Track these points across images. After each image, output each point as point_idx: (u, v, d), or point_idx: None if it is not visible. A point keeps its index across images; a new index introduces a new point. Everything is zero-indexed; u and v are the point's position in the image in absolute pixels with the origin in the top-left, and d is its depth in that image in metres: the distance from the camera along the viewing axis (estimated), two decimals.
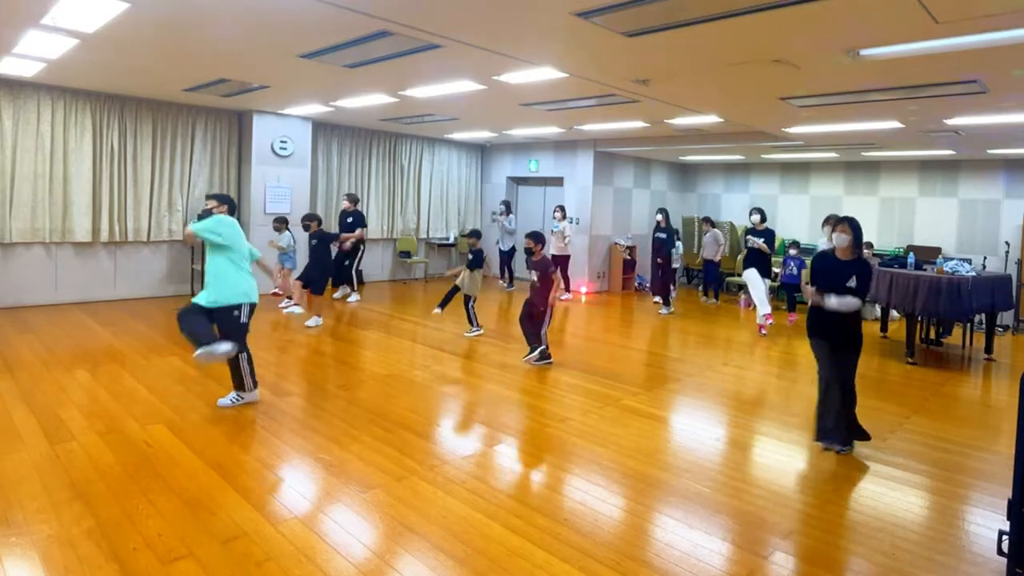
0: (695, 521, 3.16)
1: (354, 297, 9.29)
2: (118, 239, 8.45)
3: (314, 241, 7.59)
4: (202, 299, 4.37)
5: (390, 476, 3.52)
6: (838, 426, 4.19)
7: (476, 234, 7.38)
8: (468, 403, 4.94)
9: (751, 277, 8.25)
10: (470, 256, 7.19)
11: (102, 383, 4.98)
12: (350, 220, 9.21)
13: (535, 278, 6.09)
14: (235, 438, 3.99)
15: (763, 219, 8.34)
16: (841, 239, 4.20)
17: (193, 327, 4.23)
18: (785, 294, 9.39)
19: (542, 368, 5.97)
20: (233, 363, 4.51)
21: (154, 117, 8.64)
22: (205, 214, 4.63)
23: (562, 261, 10.27)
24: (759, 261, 8.24)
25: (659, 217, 9.68)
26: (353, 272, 9.31)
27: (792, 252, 9.05)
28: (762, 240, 8.16)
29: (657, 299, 9.65)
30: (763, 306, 8.07)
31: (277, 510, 3.09)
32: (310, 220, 7.69)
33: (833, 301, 4.06)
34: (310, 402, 4.74)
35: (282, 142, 9.54)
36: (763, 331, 8.01)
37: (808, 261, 5.31)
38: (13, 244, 7.72)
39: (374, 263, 11.33)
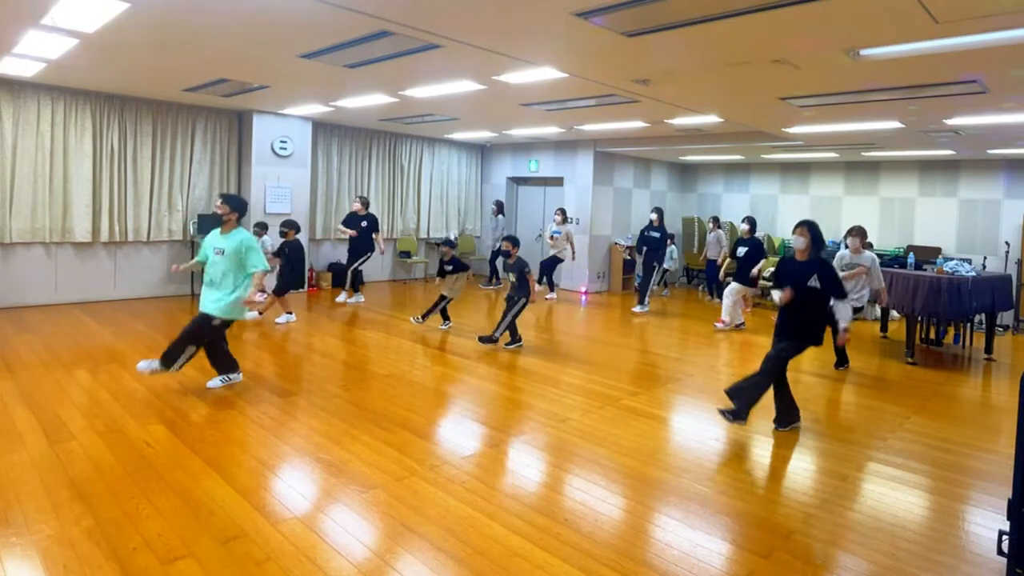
0: (695, 521, 3.16)
1: (356, 298, 9.12)
2: (118, 239, 8.45)
3: (287, 250, 7.53)
4: (204, 305, 4.78)
5: (390, 476, 3.52)
6: (790, 408, 4.50)
7: (450, 243, 7.71)
8: (468, 403, 4.94)
9: (729, 288, 8.28)
10: (450, 266, 7.43)
11: (102, 383, 4.98)
12: (364, 224, 8.98)
13: (512, 278, 6.71)
14: (235, 438, 3.99)
15: (752, 229, 8.37)
16: (798, 241, 4.35)
17: (213, 358, 4.95)
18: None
19: (541, 368, 5.97)
20: (178, 345, 4.70)
21: (154, 117, 8.64)
22: (213, 223, 4.82)
23: (551, 261, 10.28)
24: (741, 270, 8.21)
25: (653, 216, 9.46)
26: (350, 272, 9.07)
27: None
28: (747, 250, 8.17)
29: (637, 308, 9.46)
30: (725, 313, 8.24)
31: (277, 510, 3.09)
32: (288, 227, 7.64)
33: (843, 316, 4.46)
34: (310, 402, 4.74)
35: (282, 142, 9.53)
36: (718, 325, 8.25)
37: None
38: (13, 244, 7.72)
39: (374, 263, 11.29)
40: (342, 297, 9.30)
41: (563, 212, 10.25)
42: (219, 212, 4.73)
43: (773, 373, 4.39)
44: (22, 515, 2.93)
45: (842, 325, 4.91)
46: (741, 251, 8.25)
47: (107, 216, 8.31)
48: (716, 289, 10.78)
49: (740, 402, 4.35)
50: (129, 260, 8.70)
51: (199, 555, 2.67)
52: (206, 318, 4.70)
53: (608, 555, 2.80)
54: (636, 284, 11.70)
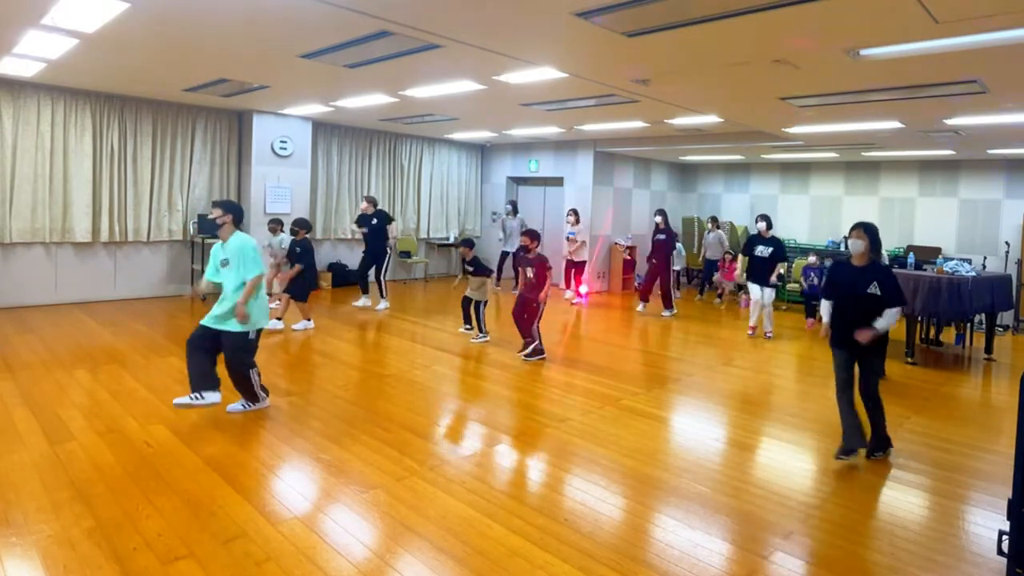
0: (695, 521, 3.16)
1: (383, 304, 8.72)
2: (118, 239, 8.45)
3: (298, 249, 7.23)
4: (211, 321, 4.26)
5: (390, 476, 3.52)
6: (858, 437, 4.06)
7: (469, 243, 7.30)
8: (468, 403, 4.94)
9: (753, 290, 7.92)
10: (470, 268, 7.10)
11: (102, 383, 4.98)
12: (375, 222, 8.65)
13: (531, 274, 6.31)
14: (235, 438, 3.99)
15: (769, 226, 7.94)
16: (856, 245, 4.07)
17: (192, 367, 4.25)
18: (804, 303, 9.19)
19: (541, 368, 5.97)
20: (242, 381, 4.38)
21: (154, 117, 8.64)
22: (212, 225, 4.44)
23: (579, 267, 10.28)
24: (761, 270, 7.82)
25: (658, 219, 9.43)
26: (382, 278, 8.70)
27: (812, 260, 9.00)
28: (771, 250, 7.72)
29: (641, 306, 9.46)
30: (752, 318, 7.91)
31: (277, 510, 3.09)
32: (299, 227, 7.36)
33: (881, 323, 3.89)
34: (310, 402, 4.74)
35: (282, 142, 9.54)
36: (751, 332, 7.89)
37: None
38: (13, 244, 7.72)
39: None
40: (361, 302, 8.87)
41: (576, 212, 10.12)
42: (213, 217, 4.44)
43: (878, 398, 4.12)
44: (22, 515, 2.93)
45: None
46: (763, 250, 7.71)
47: (107, 216, 8.31)
48: (712, 288, 10.88)
49: (877, 439, 4.12)
50: (129, 260, 8.70)
51: (199, 555, 2.67)
52: (239, 337, 4.28)
53: (608, 555, 2.80)
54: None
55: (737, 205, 12.68)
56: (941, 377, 6.30)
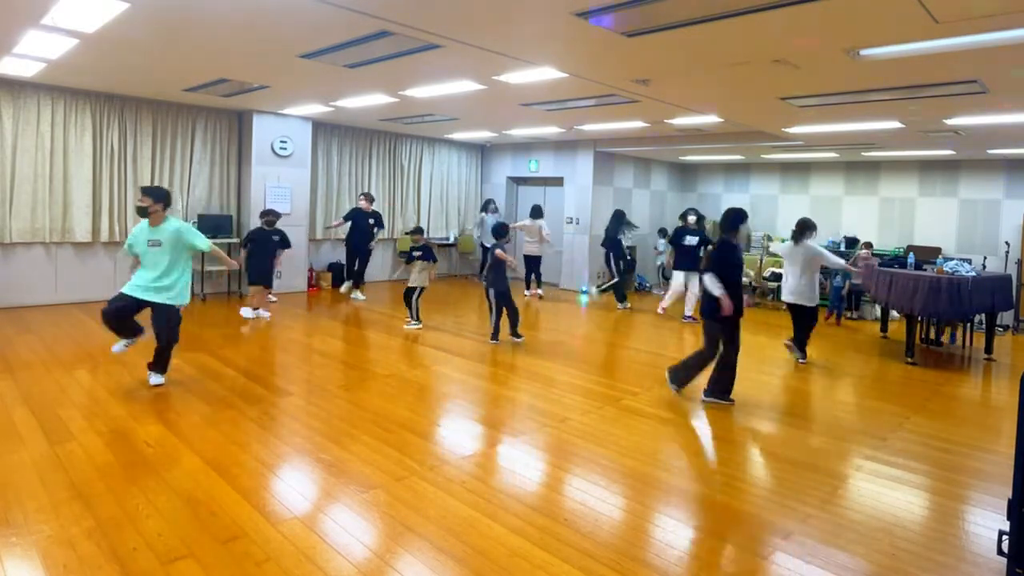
0: (695, 521, 3.16)
1: (353, 294, 9.49)
2: (118, 239, 8.44)
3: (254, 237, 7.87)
4: (148, 294, 4.74)
5: (390, 476, 3.52)
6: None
7: (419, 230, 7.96)
8: (468, 403, 4.94)
9: (676, 276, 8.92)
10: (418, 253, 7.54)
11: (102, 383, 4.98)
12: (371, 221, 9.49)
13: (490, 261, 7.01)
14: (235, 438, 3.99)
15: (699, 220, 9.11)
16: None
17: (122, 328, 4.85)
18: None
19: (541, 368, 5.97)
20: (162, 354, 4.88)
21: (154, 117, 8.64)
22: (142, 211, 4.76)
23: (533, 261, 10.46)
24: (689, 258, 8.72)
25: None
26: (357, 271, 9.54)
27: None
28: (697, 239, 8.73)
29: (620, 305, 9.86)
30: (665, 300, 9.06)
31: (277, 510, 3.09)
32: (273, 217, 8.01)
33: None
34: (310, 402, 4.74)
35: (282, 142, 9.54)
36: (660, 311, 9.06)
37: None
38: (13, 244, 7.72)
39: (374, 263, 11.29)
40: (344, 289, 9.69)
41: (531, 209, 10.47)
42: (143, 205, 4.75)
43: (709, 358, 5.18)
44: (22, 515, 2.93)
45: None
46: (691, 240, 8.75)
47: (107, 216, 8.31)
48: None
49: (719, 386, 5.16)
50: (129, 260, 8.67)
51: (199, 555, 2.67)
52: (172, 310, 4.82)
53: (608, 555, 2.80)
54: (648, 285, 12.05)
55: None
56: (941, 377, 6.30)
